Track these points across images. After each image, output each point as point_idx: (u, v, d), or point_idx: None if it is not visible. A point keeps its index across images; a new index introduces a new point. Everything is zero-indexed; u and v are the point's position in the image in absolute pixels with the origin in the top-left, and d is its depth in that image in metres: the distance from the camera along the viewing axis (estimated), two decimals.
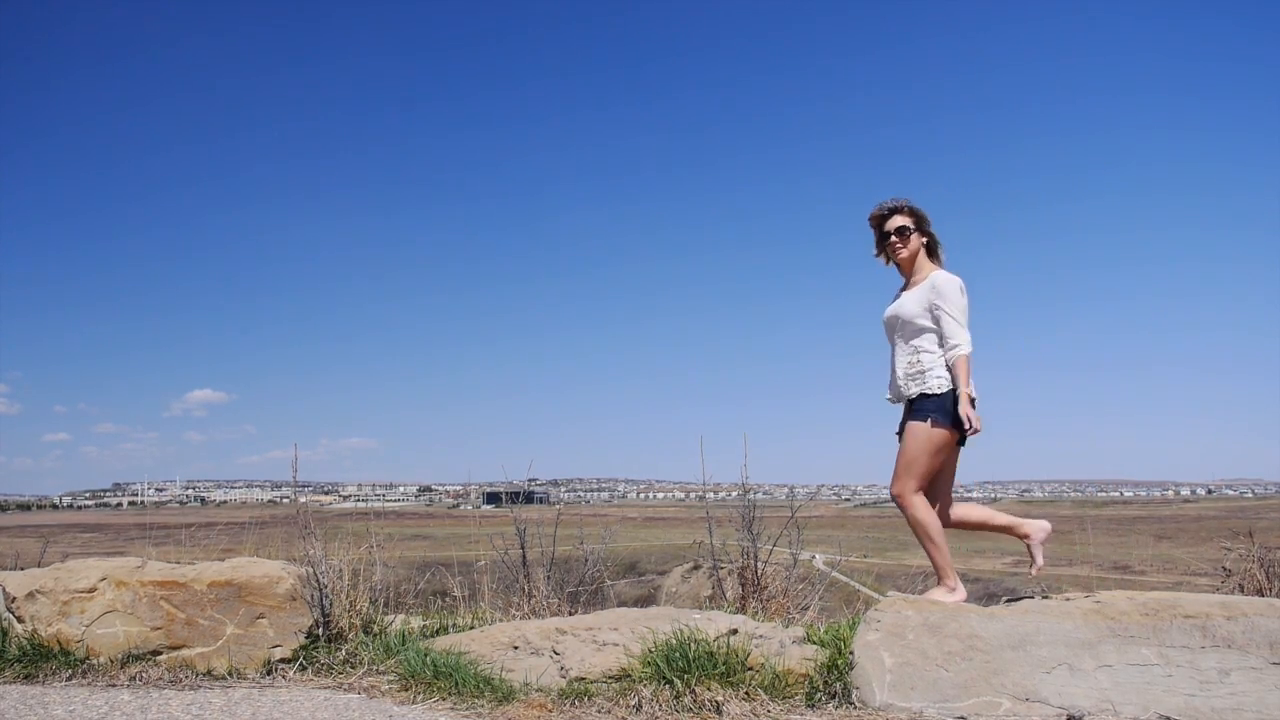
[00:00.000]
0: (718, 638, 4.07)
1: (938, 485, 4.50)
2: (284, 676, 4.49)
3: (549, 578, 5.66)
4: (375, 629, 4.96)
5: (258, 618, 4.59)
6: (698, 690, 3.86)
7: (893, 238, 4.56)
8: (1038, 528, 4.56)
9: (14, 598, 4.78)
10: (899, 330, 4.51)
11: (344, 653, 4.65)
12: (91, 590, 4.69)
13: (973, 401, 4.33)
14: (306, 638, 4.62)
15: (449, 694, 4.10)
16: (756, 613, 5.10)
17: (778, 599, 5.36)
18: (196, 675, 4.48)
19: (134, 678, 4.44)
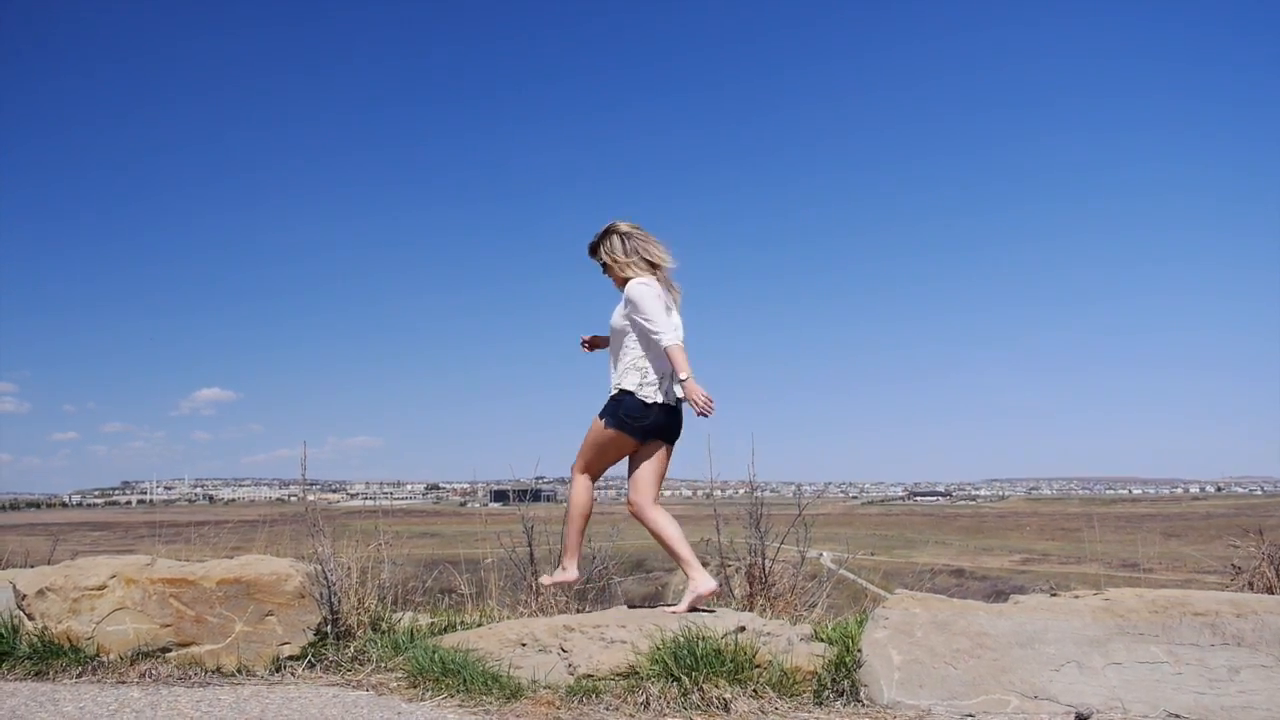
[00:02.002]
0: (725, 635, 4.07)
1: (639, 479, 4.85)
2: (292, 673, 4.50)
3: None
4: (383, 626, 4.97)
5: (266, 615, 4.60)
6: (705, 687, 3.86)
7: (604, 272, 5.07)
8: (704, 582, 4.66)
9: (24, 595, 4.80)
10: (612, 337, 4.96)
11: (352, 650, 4.66)
12: (101, 588, 4.71)
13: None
14: (315, 635, 4.64)
15: (457, 691, 4.10)
16: (764, 610, 5.10)
17: (785, 596, 5.36)
18: (205, 672, 4.49)
19: (143, 675, 4.46)
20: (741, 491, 5.88)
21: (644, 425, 4.75)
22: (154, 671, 4.48)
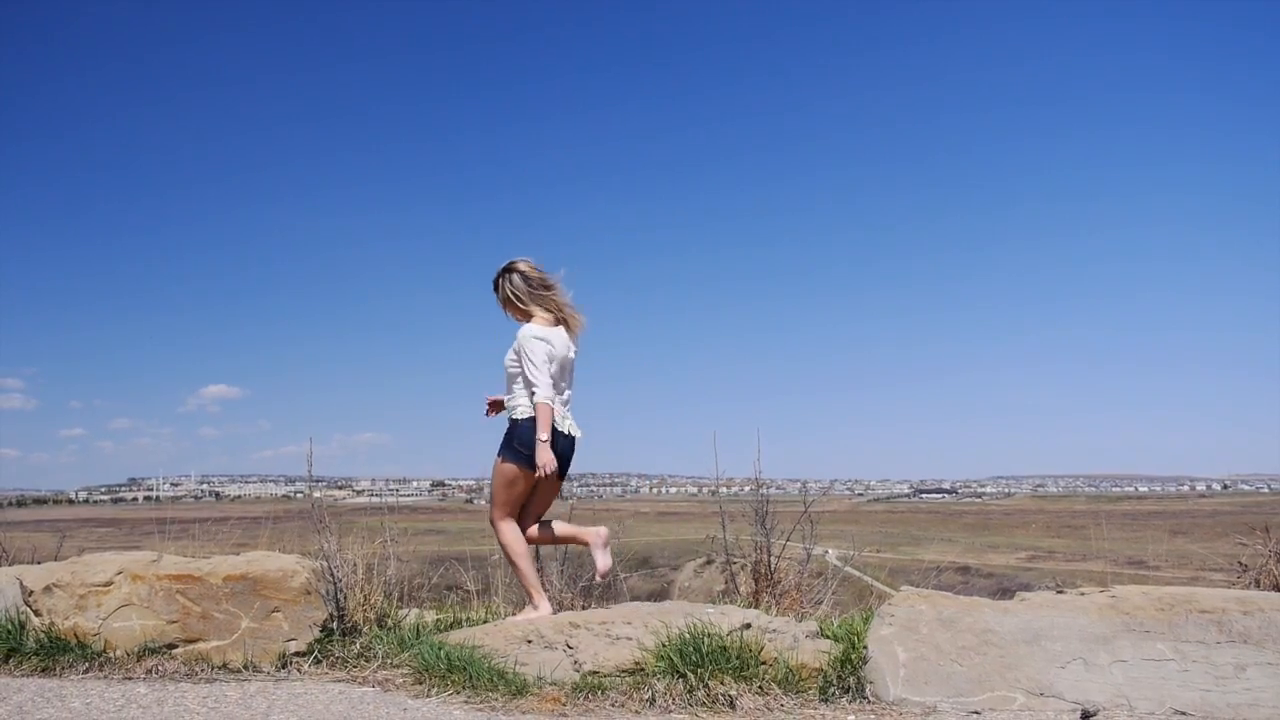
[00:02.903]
0: (731, 632, 4.07)
1: (528, 507, 5.06)
2: (299, 670, 4.51)
3: (562, 572, 5.68)
4: (389, 623, 4.98)
5: (273, 611, 4.61)
6: (711, 684, 3.86)
7: (503, 309, 5.25)
8: (595, 534, 5.08)
9: (31, 591, 4.81)
10: (507, 377, 5.10)
11: (358, 646, 4.67)
12: (108, 584, 4.72)
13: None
14: (321, 631, 4.65)
15: (463, 687, 4.11)
16: (770, 607, 5.10)
17: (791, 593, 5.36)
18: (212, 668, 4.50)
19: (150, 671, 4.47)
20: (747, 489, 5.88)
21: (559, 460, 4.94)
22: (160, 668, 4.49)
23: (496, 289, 5.23)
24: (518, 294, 5.12)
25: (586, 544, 5.08)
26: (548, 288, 5.14)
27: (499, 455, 4.96)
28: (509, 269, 5.16)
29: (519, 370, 4.97)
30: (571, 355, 5.11)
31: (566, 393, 5.10)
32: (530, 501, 5.06)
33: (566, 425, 5.01)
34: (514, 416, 4.97)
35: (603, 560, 5.02)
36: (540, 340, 4.95)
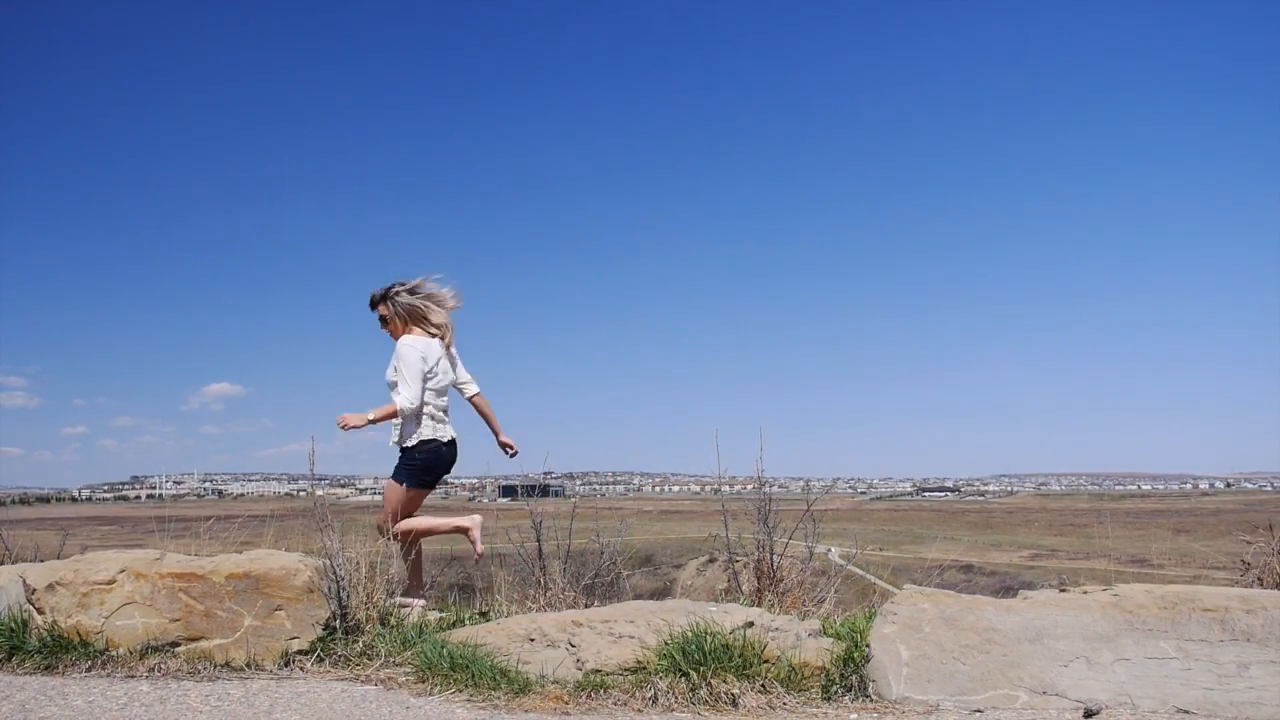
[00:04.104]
0: (734, 630, 4.07)
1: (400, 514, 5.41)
2: (301, 668, 4.51)
3: (565, 570, 5.67)
4: (392, 621, 4.97)
5: (275, 609, 4.61)
6: (714, 683, 3.86)
7: (383, 326, 5.59)
8: (472, 520, 5.52)
9: (34, 589, 4.82)
10: (390, 391, 5.38)
11: (361, 644, 4.66)
12: (111, 582, 4.72)
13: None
14: (324, 629, 4.64)
15: (466, 685, 4.11)
16: (772, 606, 5.10)
17: (793, 592, 5.35)
18: (215, 667, 4.50)
19: (153, 669, 4.47)
20: (750, 487, 5.87)
21: (439, 472, 5.46)
22: (163, 666, 4.49)
23: (374, 307, 5.60)
24: (395, 312, 5.51)
25: (465, 530, 5.50)
26: (426, 306, 5.52)
27: (394, 477, 5.39)
28: (390, 290, 5.53)
29: (396, 383, 5.30)
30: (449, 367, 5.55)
31: (445, 400, 5.51)
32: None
33: (449, 433, 5.45)
34: (404, 445, 5.38)
35: (479, 546, 5.49)
36: (412, 348, 5.34)
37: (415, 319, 5.50)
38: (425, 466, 5.37)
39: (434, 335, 5.50)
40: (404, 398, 5.22)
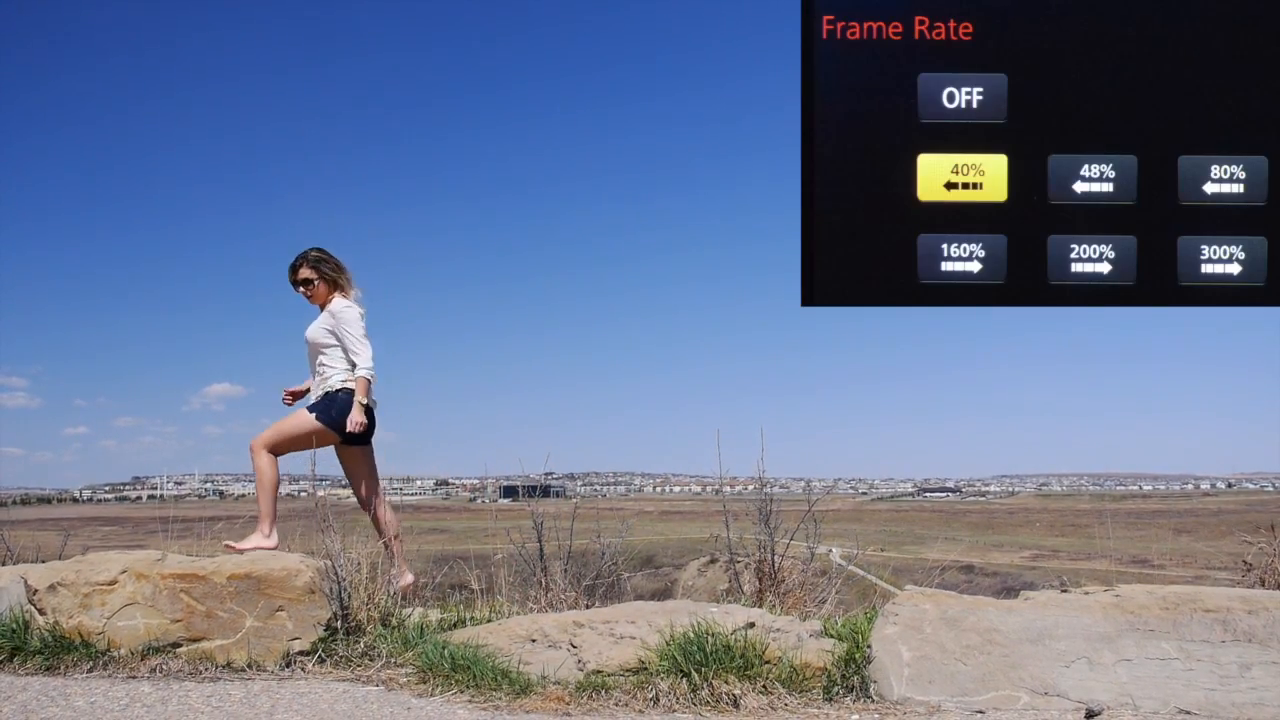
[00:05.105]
0: (735, 631, 4.07)
1: (364, 485, 5.62)
2: (302, 669, 4.51)
3: (566, 571, 5.66)
4: (393, 622, 4.97)
5: (277, 610, 4.61)
6: (715, 683, 3.86)
7: (300, 288, 5.62)
8: (405, 575, 5.53)
9: (36, 590, 4.82)
10: (309, 349, 5.58)
11: (362, 645, 4.66)
12: (112, 583, 4.72)
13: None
14: (325, 630, 4.64)
15: (467, 686, 4.11)
16: (773, 606, 5.09)
17: (795, 592, 5.35)
18: (216, 667, 4.50)
19: (154, 670, 4.47)
20: (751, 488, 5.87)
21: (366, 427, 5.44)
22: (165, 666, 4.49)
23: (295, 273, 5.60)
24: (322, 275, 5.56)
25: (400, 570, 5.48)
26: (343, 272, 5.63)
27: (310, 410, 5.44)
28: (312, 255, 5.58)
29: (333, 344, 5.44)
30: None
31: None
32: (354, 475, 5.62)
33: (370, 398, 5.46)
34: (331, 389, 5.43)
35: (406, 578, 5.51)
36: (353, 309, 5.49)
37: (339, 285, 5.61)
38: (343, 409, 5.40)
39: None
40: (364, 360, 5.38)
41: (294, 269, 5.60)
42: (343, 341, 5.43)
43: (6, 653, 4.70)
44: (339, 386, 5.43)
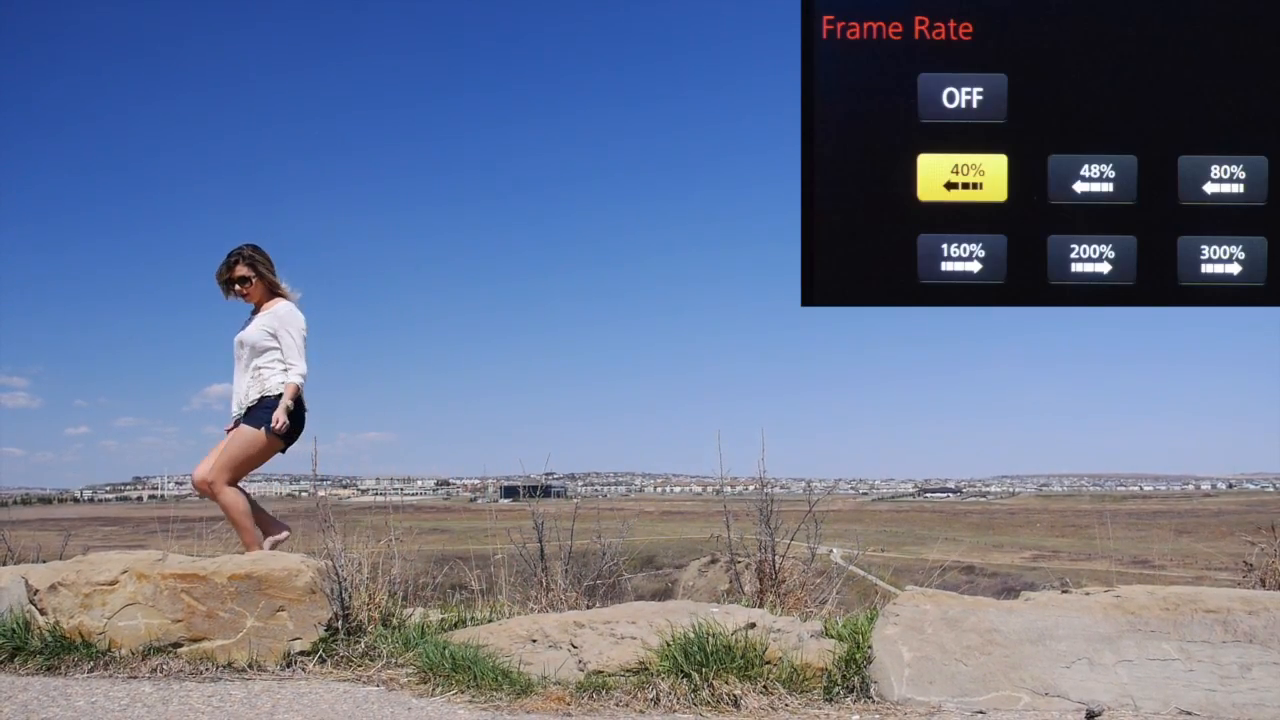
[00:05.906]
0: (735, 631, 4.07)
1: (215, 458, 5.38)
2: (303, 669, 4.51)
3: (566, 571, 5.67)
4: (394, 622, 4.97)
5: (277, 610, 4.61)
6: (715, 683, 3.86)
7: (237, 286, 5.46)
8: (272, 539, 5.45)
9: (37, 590, 4.83)
10: (246, 351, 5.40)
11: (363, 645, 4.66)
12: (113, 583, 4.73)
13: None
14: (326, 630, 4.65)
15: (468, 686, 4.11)
16: (774, 606, 5.10)
17: (795, 593, 5.35)
18: (217, 667, 4.50)
19: (155, 670, 4.47)
20: (752, 488, 5.87)
21: (298, 428, 5.40)
22: (165, 666, 4.50)
23: (232, 270, 5.44)
24: (261, 274, 5.45)
25: (266, 535, 5.42)
26: (274, 272, 5.52)
27: (255, 424, 5.28)
28: (250, 252, 5.44)
29: (273, 346, 5.34)
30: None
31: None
32: (222, 447, 5.42)
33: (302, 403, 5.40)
34: (269, 394, 5.31)
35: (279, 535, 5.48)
36: (299, 314, 5.44)
37: (272, 285, 5.51)
38: (292, 415, 5.31)
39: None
40: (300, 369, 5.34)
41: (229, 266, 5.43)
42: (281, 344, 5.33)
43: (7, 653, 4.71)
44: (278, 390, 5.31)
